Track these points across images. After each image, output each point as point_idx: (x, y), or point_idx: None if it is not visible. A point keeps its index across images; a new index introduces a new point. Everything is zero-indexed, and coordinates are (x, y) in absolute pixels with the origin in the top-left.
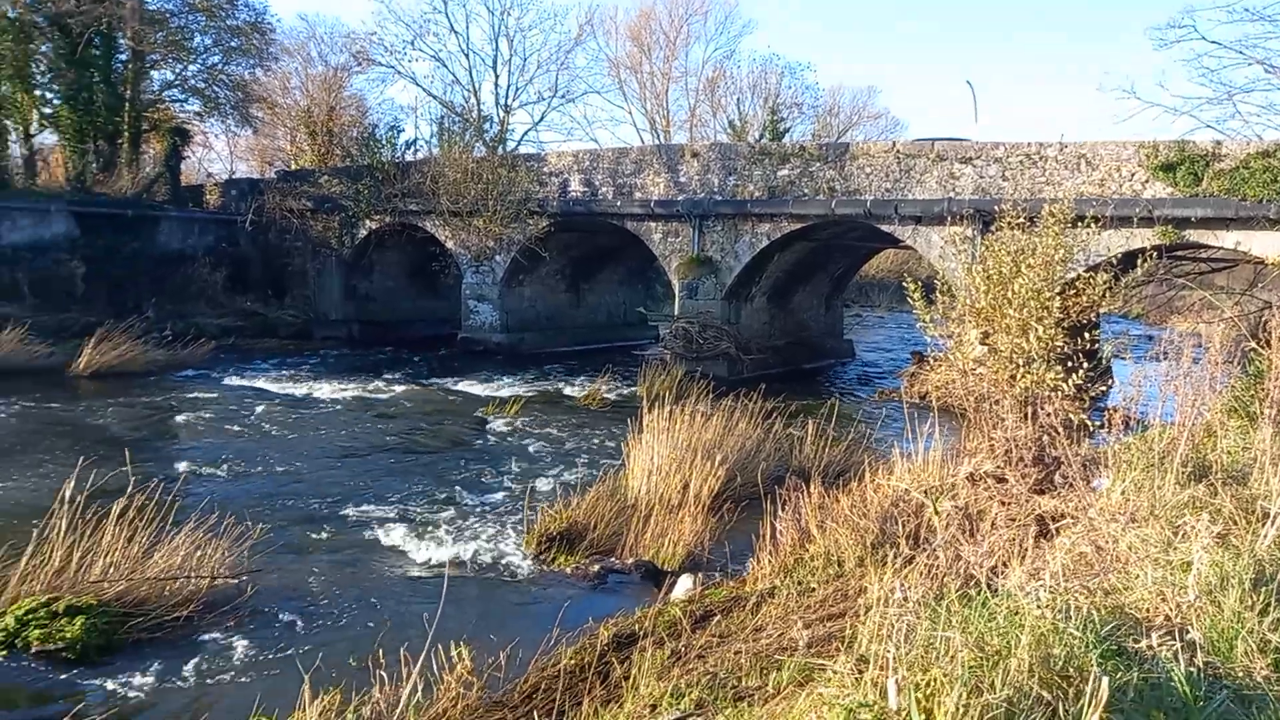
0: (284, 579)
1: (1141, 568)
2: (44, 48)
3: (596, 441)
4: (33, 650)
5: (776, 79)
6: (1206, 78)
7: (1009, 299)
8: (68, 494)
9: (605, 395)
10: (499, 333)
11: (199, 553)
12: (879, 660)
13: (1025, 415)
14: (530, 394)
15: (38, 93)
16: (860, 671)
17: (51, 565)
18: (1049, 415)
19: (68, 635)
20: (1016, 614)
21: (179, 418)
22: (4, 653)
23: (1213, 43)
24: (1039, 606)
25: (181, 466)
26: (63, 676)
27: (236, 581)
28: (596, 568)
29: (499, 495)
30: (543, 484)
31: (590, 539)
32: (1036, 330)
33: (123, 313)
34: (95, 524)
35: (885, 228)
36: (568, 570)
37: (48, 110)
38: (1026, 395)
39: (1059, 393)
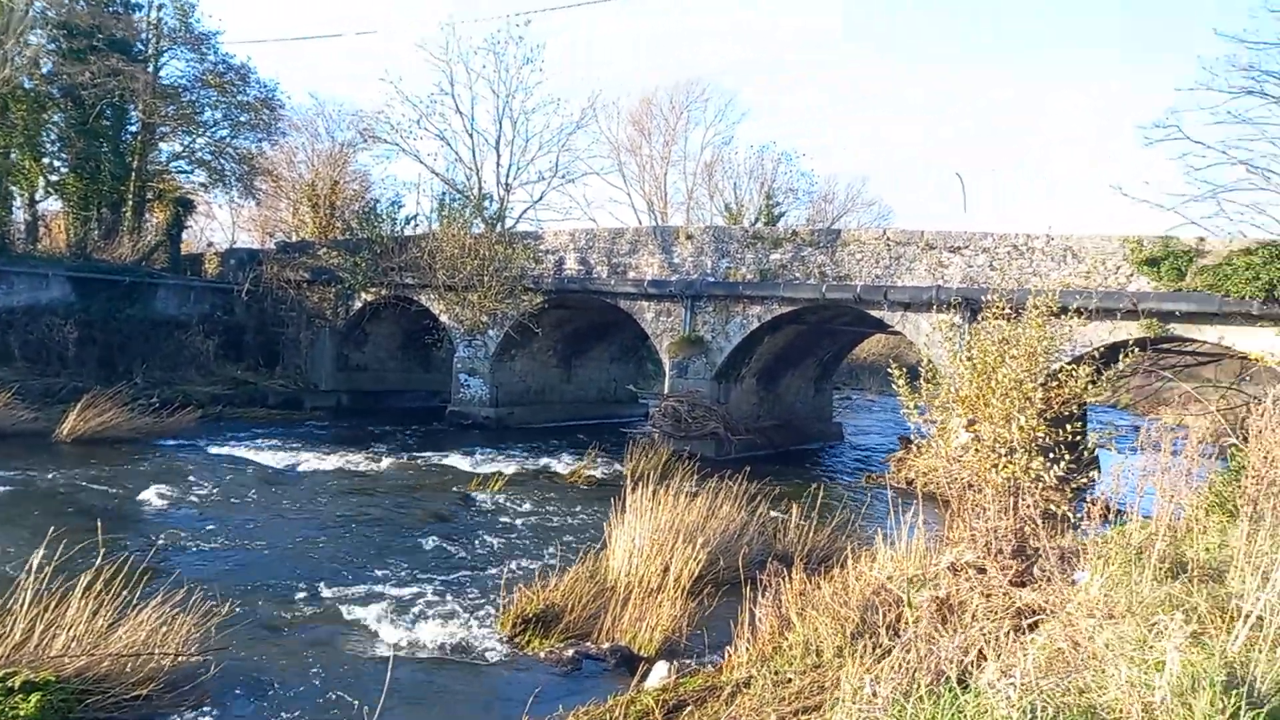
0: (250, 658)
1: (1116, 666)
2: (56, 117)
3: (580, 520)
4: None
5: (772, 165)
6: (1191, 176)
7: (993, 388)
8: (35, 564)
9: (591, 473)
10: (488, 406)
11: (164, 629)
12: None
13: (1006, 506)
14: (516, 470)
15: (46, 160)
16: None
17: (12, 639)
18: (1029, 506)
19: (21, 713)
20: (985, 713)
21: (157, 487)
22: None
23: (1197, 143)
24: (1008, 706)
25: (155, 538)
26: None
27: (201, 660)
28: (571, 652)
29: (477, 574)
30: (522, 563)
31: (567, 622)
32: (1019, 420)
33: (113, 378)
34: (60, 596)
35: (875, 313)
36: (541, 654)
37: (54, 177)
38: (1009, 485)
39: (1040, 483)
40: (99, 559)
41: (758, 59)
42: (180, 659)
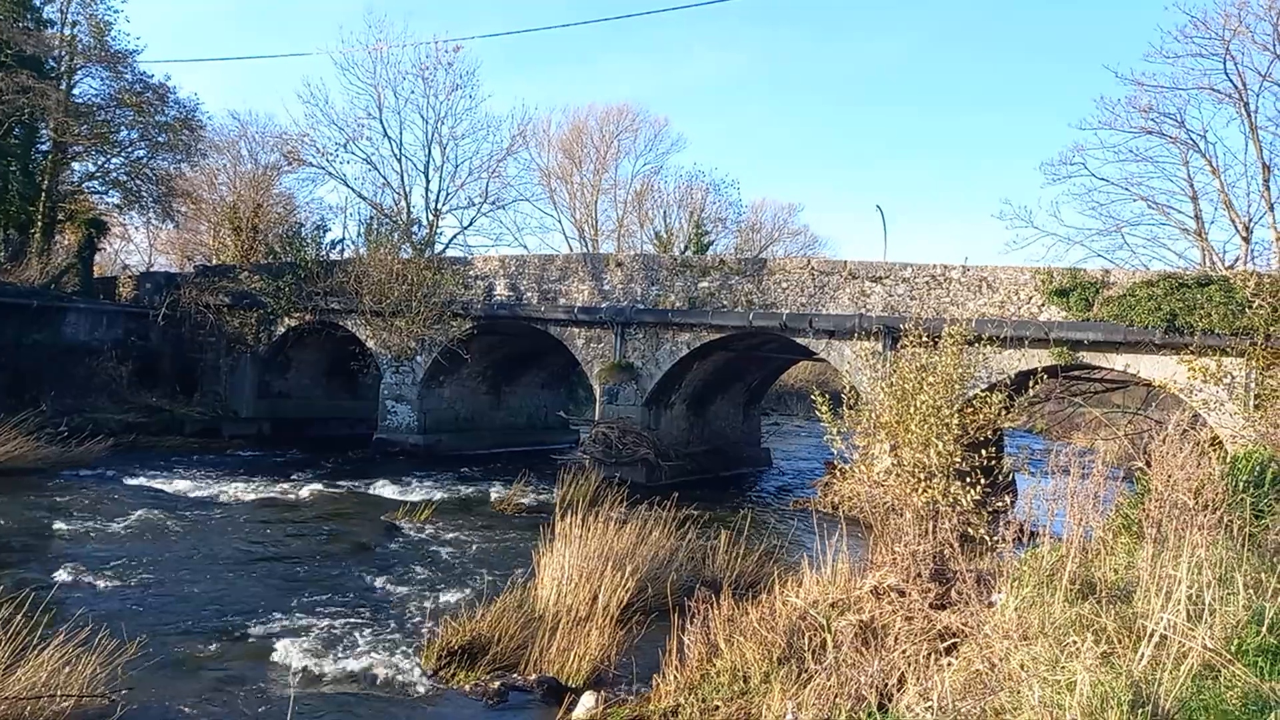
0: (160, 698)
1: (1030, 687)
2: None
3: (509, 549)
4: None
5: (702, 194)
6: (1097, 211)
7: (912, 414)
8: None
9: (521, 500)
10: (416, 434)
11: (67, 669)
12: None
13: (926, 529)
14: (444, 498)
15: None
16: None
17: None
18: (947, 529)
19: None
20: None
21: (64, 519)
22: None
23: (1101, 179)
24: None
25: (60, 572)
26: None
27: (106, 701)
28: (497, 684)
29: (401, 606)
30: (448, 594)
31: (494, 653)
32: (937, 445)
33: (19, 406)
34: None
35: (800, 340)
36: (466, 687)
37: None
38: (928, 509)
39: (958, 507)
40: None
41: (686, 87)
42: (84, 700)
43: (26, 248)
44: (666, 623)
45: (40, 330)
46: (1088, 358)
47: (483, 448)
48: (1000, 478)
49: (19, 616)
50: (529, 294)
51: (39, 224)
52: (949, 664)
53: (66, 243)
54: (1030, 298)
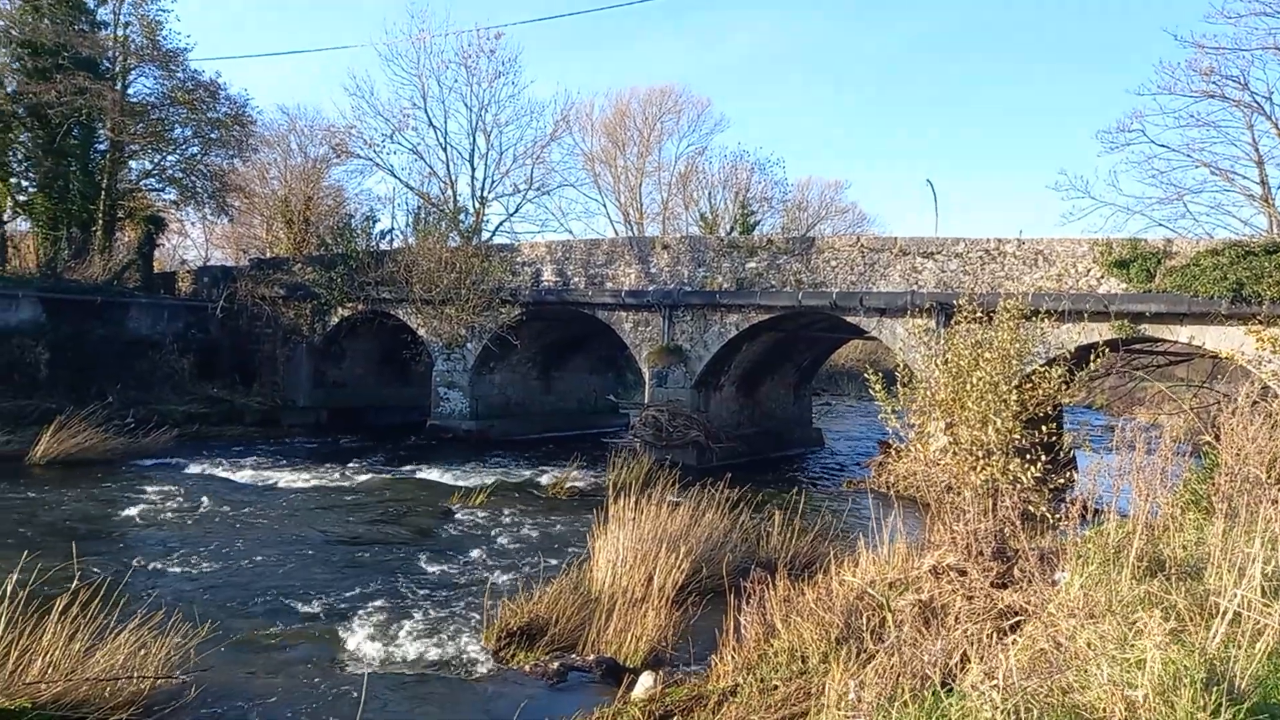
0: (230, 679)
1: (1098, 665)
2: (22, 136)
3: (562, 532)
4: None
5: (747, 174)
6: (1157, 179)
7: (968, 391)
8: (8, 589)
9: (573, 484)
10: (468, 420)
11: (143, 651)
12: None
13: (986, 508)
14: (497, 483)
15: (13, 180)
16: None
17: None
18: (1008, 507)
19: None
20: (969, 716)
21: (134, 508)
22: None
23: (1161, 146)
24: (991, 708)
25: (132, 559)
26: None
27: (180, 682)
28: (556, 665)
29: (460, 589)
30: (505, 577)
31: (552, 634)
32: (995, 423)
33: (86, 399)
34: (36, 621)
35: (851, 319)
36: (526, 667)
37: (22, 197)
38: (987, 487)
39: (1018, 484)
40: (74, 582)
41: (728, 66)
42: (160, 682)
43: (89, 245)
44: (722, 604)
45: (104, 325)
46: (1150, 330)
47: (533, 432)
48: (1061, 454)
49: (95, 602)
50: (576, 279)
51: (100, 222)
52: (1013, 643)
53: (126, 239)
54: (1089, 270)
